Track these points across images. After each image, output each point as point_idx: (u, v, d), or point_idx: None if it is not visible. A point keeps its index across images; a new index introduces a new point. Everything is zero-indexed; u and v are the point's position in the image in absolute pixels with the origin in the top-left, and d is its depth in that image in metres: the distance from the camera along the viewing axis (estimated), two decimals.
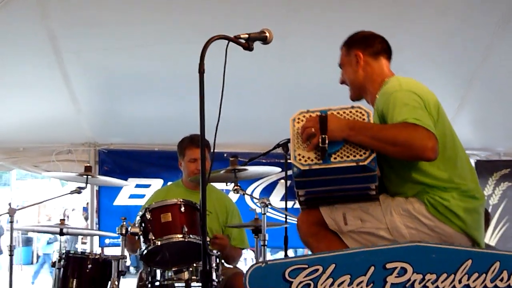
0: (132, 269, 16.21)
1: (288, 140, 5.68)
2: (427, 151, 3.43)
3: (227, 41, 3.62)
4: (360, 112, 3.63)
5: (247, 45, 3.68)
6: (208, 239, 4.62)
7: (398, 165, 3.72)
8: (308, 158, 3.54)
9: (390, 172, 3.80)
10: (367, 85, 4.05)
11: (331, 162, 3.51)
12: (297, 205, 8.54)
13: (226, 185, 5.72)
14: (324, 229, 3.76)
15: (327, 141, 3.49)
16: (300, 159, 3.54)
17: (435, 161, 3.52)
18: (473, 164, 8.95)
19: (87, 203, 11.88)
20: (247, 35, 3.67)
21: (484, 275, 3.03)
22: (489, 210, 8.69)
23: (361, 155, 3.50)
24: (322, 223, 3.77)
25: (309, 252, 3.78)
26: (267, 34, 3.72)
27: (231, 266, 5.98)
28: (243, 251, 6.52)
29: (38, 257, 21.64)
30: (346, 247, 3.68)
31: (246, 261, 11.91)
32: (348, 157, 3.51)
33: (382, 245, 3.29)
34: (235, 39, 3.65)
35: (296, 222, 3.94)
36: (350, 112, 3.63)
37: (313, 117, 3.60)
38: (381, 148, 3.51)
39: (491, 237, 9.11)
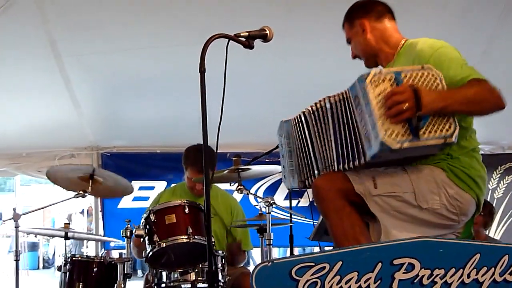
0: (139, 272, 16.18)
1: None
2: (501, 100, 3.52)
3: (227, 40, 3.61)
4: (432, 75, 3.44)
5: (248, 43, 3.67)
6: (213, 239, 4.61)
7: None
8: (398, 133, 3.33)
9: None
10: (381, 47, 4.04)
11: (420, 139, 3.37)
12: (302, 204, 8.65)
13: (230, 185, 5.70)
14: (349, 204, 3.62)
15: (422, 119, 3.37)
16: (390, 134, 3.32)
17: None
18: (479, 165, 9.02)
19: (89, 207, 11.90)
20: (247, 33, 3.67)
21: (493, 269, 3.01)
22: (494, 204, 8.67)
23: (447, 129, 3.40)
24: (346, 193, 3.63)
25: (316, 249, 3.75)
26: (267, 32, 3.72)
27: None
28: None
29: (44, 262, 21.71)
30: (367, 232, 3.67)
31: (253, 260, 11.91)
32: (436, 131, 3.39)
33: (389, 241, 3.27)
34: (236, 38, 3.64)
35: (314, 197, 3.75)
36: (423, 74, 3.44)
37: (405, 87, 3.36)
38: (468, 110, 3.54)
39: (496, 231, 9.10)
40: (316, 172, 3.84)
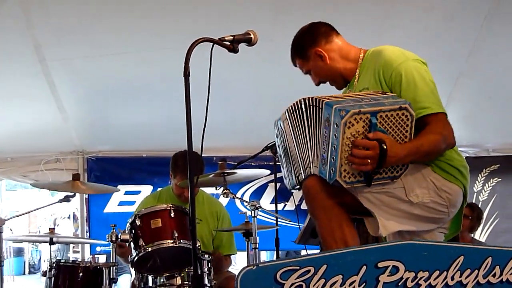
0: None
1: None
2: (452, 140, 3.68)
3: (212, 44, 3.61)
4: (406, 116, 3.48)
5: (232, 47, 3.67)
6: (198, 243, 4.60)
7: None
8: (352, 174, 3.47)
9: None
10: (344, 65, 4.01)
11: (371, 181, 3.51)
12: (288, 207, 8.66)
13: (216, 189, 5.71)
14: (338, 205, 3.63)
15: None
16: (344, 176, 3.45)
17: None
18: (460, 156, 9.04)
19: (73, 212, 11.88)
20: (231, 37, 3.66)
21: (476, 271, 3.02)
22: (479, 206, 8.70)
23: (397, 171, 3.55)
24: (336, 193, 3.63)
25: (302, 252, 3.75)
26: (252, 36, 3.72)
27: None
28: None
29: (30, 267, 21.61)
30: (355, 233, 3.67)
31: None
32: (386, 173, 3.53)
33: (373, 244, 3.28)
34: (220, 42, 3.64)
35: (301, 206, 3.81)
36: (397, 115, 3.47)
37: (375, 145, 3.40)
38: (421, 160, 3.66)
39: (481, 234, 9.14)
40: (301, 170, 3.82)
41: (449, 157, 3.75)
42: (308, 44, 4.04)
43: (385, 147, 3.38)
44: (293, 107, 3.77)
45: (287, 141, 3.89)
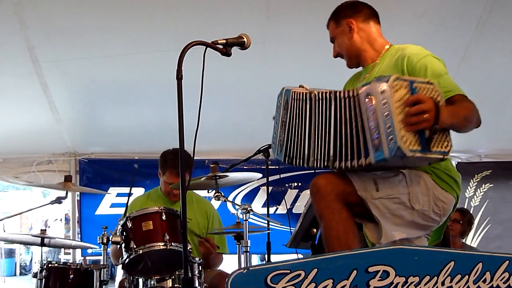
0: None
1: (269, 146, 5.70)
2: (480, 119, 3.66)
3: (205, 47, 3.61)
4: (435, 91, 3.45)
5: (225, 50, 3.67)
6: (189, 246, 4.60)
7: None
8: (411, 142, 3.34)
9: None
10: (365, 48, 4.11)
11: (429, 152, 3.40)
12: (280, 211, 8.66)
13: (208, 192, 5.70)
14: (346, 208, 3.61)
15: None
16: (405, 141, 3.32)
17: None
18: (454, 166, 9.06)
19: (66, 214, 11.83)
20: (224, 41, 3.66)
21: (467, 276, 3.02)
22: (471, 212, 8.72)
23: (446, 146, 3.47)
24: (345, 196, 3.62)
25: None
26: (245, 39, 3.71)
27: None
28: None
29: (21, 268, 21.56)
30: (359, 240, 3.68)
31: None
32: (440, 147, 3.44)
33: (364, 249, 3.28)
34: (213, 45, 3.64)
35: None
36: (427, 88, 3.44)
37: (429, 98, 3.37)
38: (463, 128, 3.61)
39: (472, 239, 9.15)
40: (306, 156, 3.73)
41: (446, 167, 3.81)
42: (346, 13, 4.16)
43: (437, 102, 3.39)
44: (320, 94, 3.68)
45: (294, 119, 3.79)
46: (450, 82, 3.69)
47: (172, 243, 4.84)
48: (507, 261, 3.07)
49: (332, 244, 3.59)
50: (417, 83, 3.43)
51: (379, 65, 4.01)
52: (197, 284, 4.93)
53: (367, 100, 3.43)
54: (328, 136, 3.64)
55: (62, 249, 16.81)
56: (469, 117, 3.58)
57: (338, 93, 3.61)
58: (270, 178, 6.27)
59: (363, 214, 3.70)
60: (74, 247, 8.76)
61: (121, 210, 8.25)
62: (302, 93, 3.76)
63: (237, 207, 5.67)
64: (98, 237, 5.08)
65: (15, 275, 21.54)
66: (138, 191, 8.88)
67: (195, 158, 3.69)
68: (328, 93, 3.65)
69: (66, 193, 6.04)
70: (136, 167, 7.32)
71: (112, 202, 8.89)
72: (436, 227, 3.88)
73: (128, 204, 6.14)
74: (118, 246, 5.05)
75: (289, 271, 2.93)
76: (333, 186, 3.63)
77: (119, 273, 5.85)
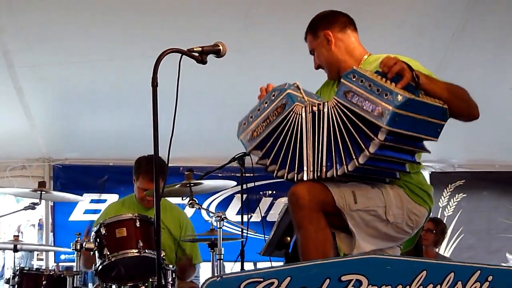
0: (90, 285, 16.02)
1: (244, 154, 5.70)
2: (477, 110, 3.71)
3: (180, 55, 3.61)
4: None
5: (201, 58, 3.66)
6: (162, 254, 4.59)
7: None
8: (404, 92, 3.37)
9: None
10: (345, 58, 4.04)
11: (423, 97, 3.46)
12: (254, 219, 8.66)
13: (182, 199, 5.69)
14: (325, 219, 3.59)
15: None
16: (399, 90, 3.36)
17: None
18: (427, 176, 9.10)
19: (39, 219, 11.76)
20: (200, 48, 3.66)
21: (439, 286, 3.04)
22: (445, 221, 8.76)
23: (440, 102, 3.52)
24: (323, 205, 3.59)
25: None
26: (221, 47, 3.71)
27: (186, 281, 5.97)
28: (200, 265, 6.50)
29: None
30: (333, 247, 3.69)
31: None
32: (430, 100, 3.50)
33: (337, 258, 3.30)
34: (189, 53, 3.63)
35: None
36: None
37: (394, 57, 3.49)
38: (451, 100, 3.58)
39: (445, 249, 9.19)
40: (295, 164, 3.68)
41: (419, 181, 3.84)
42: (323, 25, 4.10)
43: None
44: (316, 107, 3.66)
45: (290, 124, 3.71)
46: (431, 74, 3.73)
47: (146, 250, 4.84)
48: (479, 271, 3.09)
49: (310, 253, 3.56)
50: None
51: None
52: None
53: (347, 94, 3.48)
54: (321, 147, 3.62)
55: (35, 255, 16.71)
56: (451, 90, 3.61)
57: (326, 104, 3.62)
58: (244, 186, 6.26)
59: (337, 224, 3.68)
60: (47, 251, 8.73)
61: (95, 217, 8.23)
62: (303, 107, 3.70)
63: (211, 214, 5.67)
64: (71, 243, 5.05)
65: None
66: (112, 198, 8.86)
67: (169, 165, 3.68)
68: (320, 105, 3.65)
69: (40, 199, 6.00)
70: (105, 178, 7.31)
71: (86, 208, 8.86)
72: (409, 238, 3.91)
73: (103, 211, 6.15)
74: (92, 252, 5.03)
75: (262, 279, 2.93)
76: (312, 195, 3.60)
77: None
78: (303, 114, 3.66)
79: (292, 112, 3.69)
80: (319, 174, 3.60)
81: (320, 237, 3.59)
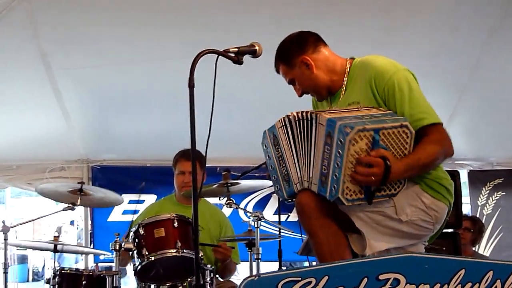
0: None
1: None
2: (451, 150, 3.67)
3: (216, 55, 3.62)
4: (406, 134, 3.48)
5: (237, 58, 3.67)
6: (201, 254, 4.61)
7: None
8: (354, 191, 3.43)
9: None
10: (330, 77, 3.94)
11: (372, 198, 3.49)
12: (291, 219, 8.65)
13: (219, 200, 5.70)
14: (334, 223, 3.61)
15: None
16: (346, 193, 3.42)
17: None
18: (466, 175, 9.05)
19: (76, 221, 11.84)
20: (236, 49, 3.66)
21: (477, 284, 3.02)
22: (483, 220, 8.70)
23: (395, 189, 3.55)
24: (329, 210, 3.60)
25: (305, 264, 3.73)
26: (257, 48, 3.72)
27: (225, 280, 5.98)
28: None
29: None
30: (349, 249, 3.67)
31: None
32: (385, 191, 3.52)
33: (375, 257, 3.29)
34: (225, 53, 3.64)
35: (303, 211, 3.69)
36: (398, 132, 3.46)
37: (380, 162, 3.38)
38: (425, 172, 3.66)
39: (485, 248, 9.12)
40: (298, 179, 3.75)
41: (437, 176, 3.76)
42: (296, 52, 3.96)
43: (389, 163, 3.37)
44: (289, 118, 3.72)
45: (284, 149, 3.80)
46: (421, 105, 3.65)
47: (184, 250, 4.86)
48: None
49: (325, 259, 3.56)
50: (385, 130, 3.45)
51: (349, 86, 3.90)
52: None
53: (328, 140, 3.47)
54: (310, 156, 3.65)
55: (74, 256, 16.85)
56: (428, 165, 3.61)
57: (305, 113, 3.64)
58: None
59: (349, 226, 3.66)
60: (86, 253, 8.79)
61: (133, 217, 8.29)
62: (281, 119, 3.78)
63: (248, 214, 5.68)
64: (110, 243, 5.08)
65: (27, 281, 21.57)
66: (150, 199, 8.90)
67: (206, 165, 3.71)
68: (303, 113, 3.66)
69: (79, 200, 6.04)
70: (143, 184, 7.35)
71: (124, 208, 8.89)
72: (432, 234, 3.87)
73: (142, 211, 6.18)
74: (130, 252, 5.07)
75: (300, 279, 2.94)
76: (316, 202, 3.61)
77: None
78: (287, 120, 3.77)
79: (278, 129, 3.84)
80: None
81: (332, 242, 3.61)
